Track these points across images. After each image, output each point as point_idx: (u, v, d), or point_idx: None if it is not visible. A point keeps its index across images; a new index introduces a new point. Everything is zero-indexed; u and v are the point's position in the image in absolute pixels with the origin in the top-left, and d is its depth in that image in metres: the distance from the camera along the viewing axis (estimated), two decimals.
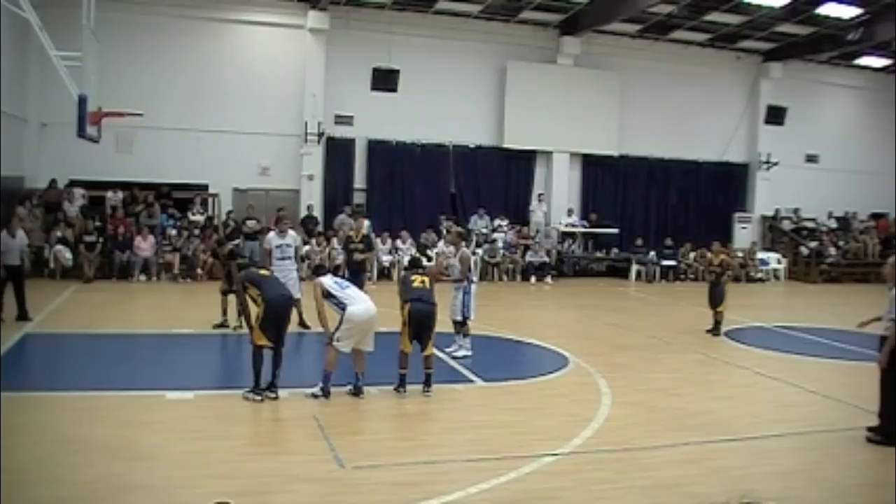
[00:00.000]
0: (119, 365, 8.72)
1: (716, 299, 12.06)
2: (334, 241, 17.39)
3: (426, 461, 5.93)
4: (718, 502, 1.98)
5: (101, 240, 16.31)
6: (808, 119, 23.66)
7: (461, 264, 9.67)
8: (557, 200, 21.57)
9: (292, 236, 11.54)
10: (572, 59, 21.47)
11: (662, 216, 22.77)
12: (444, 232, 19.25)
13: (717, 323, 12.06)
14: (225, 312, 11.01)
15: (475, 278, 10.04)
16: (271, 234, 11.46)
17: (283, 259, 11.06)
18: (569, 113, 20.99)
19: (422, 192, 20.63)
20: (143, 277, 16.33)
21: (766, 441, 6.79)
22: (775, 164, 23.16)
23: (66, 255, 15.60)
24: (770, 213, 23.62)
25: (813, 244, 22.41)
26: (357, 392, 7.65)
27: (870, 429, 6.89)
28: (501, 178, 21.41)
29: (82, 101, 10.45)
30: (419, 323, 7.87)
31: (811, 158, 24.38)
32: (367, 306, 7.65)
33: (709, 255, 12.97)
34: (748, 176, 23.72)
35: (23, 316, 11.04)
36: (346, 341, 7.53)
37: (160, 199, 17.89)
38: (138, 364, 8.88)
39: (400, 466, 5.79)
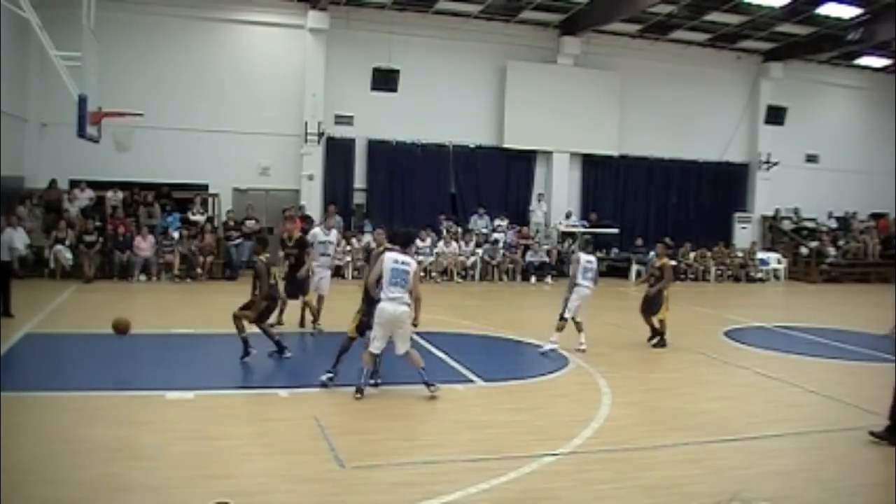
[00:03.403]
0: (119, 365, 8.72)
1: (652, 306, 10.95)
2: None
3: (426, 461, 5.93)
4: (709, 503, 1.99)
5: (101, 240, 16.30)
6: (808, 119, 23.66)
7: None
8: (557, 200, 21.58)
9: (335, 234, 11.92)
10: (572, 59, 21.48)
11: (662, 216, 22.76)
12: (444, 232, 19.33)
13: (661, 333, 10.88)
14: (281, 312, 10.90)
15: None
16: (317, 229, 11.74)
17: (324, 255, 11.34)
18: (569, 113, 20.99)
19: (422, 192, 20.63)
20: (143, 277, 16.32)
21: (766, 441, 6.79)
22: (775, 164, 23.16)
23: (66, 255, 15.64)
24: (770, 213, 23.63)
25: (813, 244, 22.42)
26: (428, 386, 7.62)
27: (877, 433, 6.76)
28: (501, 178, 21.42)
29: (82, 101, 10.45)
30: None
31: (811, 158, 24.39)
32: (394, 305, 7.44)
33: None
34: (748, 176, 23.72)
35: (6, 312, 11.18)
36: (377, 340, 7.51)
37: (160, 199, 17.89)
38: (138, 364, 8.88)
39: (400, 466, 5.79)
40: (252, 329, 8.96)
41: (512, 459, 5.94)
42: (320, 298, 11.16)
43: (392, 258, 7.57)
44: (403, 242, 7.93)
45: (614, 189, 22.53)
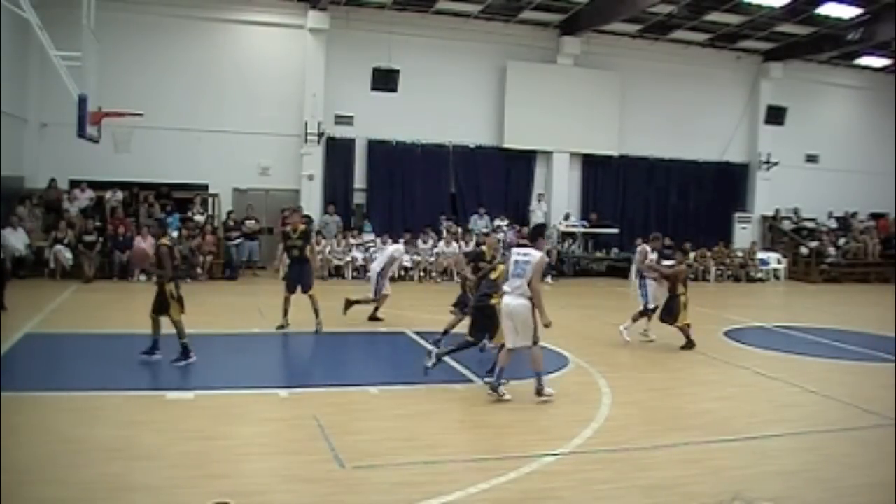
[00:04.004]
0: (119, 365, 8.72)
1: (671, 313, 10.78)
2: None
3: (426, 461, 5.93)
4: (710, 503, 1.99)
5: (101, 240, 16.31)
6: (808, 119, 23.67)
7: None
8: (557, 200, 21.58)
9: None
10: (572, 59, 21.48)
11: (662, 216, 22.73)
12: (444, 232, 19.34)
13: (687, 336, 10.80)
14: (286, 314, 11.05)
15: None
16: (401, 246, 13.12)
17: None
18: (569, 113, 21.00)
19: (422, 192, 20.63)
20: (143, 277, 16.30)
21: (766, 441, 6.79)
22: (775, 164, 23.17)
23: (66, 255, 15.64)
24: (770, 213, 23.63)
25: (813, 244, 22.41)
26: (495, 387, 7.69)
27: None
28: (501, 178, 21.43)
29: (82, 101, 10.46)
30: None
31: (811, 158, 24.40)
32: (511, 297, 7.61)
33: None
34: (748, 176, 23.73)
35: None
36: (508, 334, 7.70)
37: (160, 199, 17.90)
38: (138, 364, 8.87)
39: (400, 466, 5.79)
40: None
41: (512, 459, 5.94)
42: (385, 297, 12.09)
43: (516, 252, 7.85)
44: (532, 237, 8.17)
45: (614, 189, 22.53)
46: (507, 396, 7.64)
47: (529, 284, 7.50)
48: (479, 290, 8.58)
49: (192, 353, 8.66)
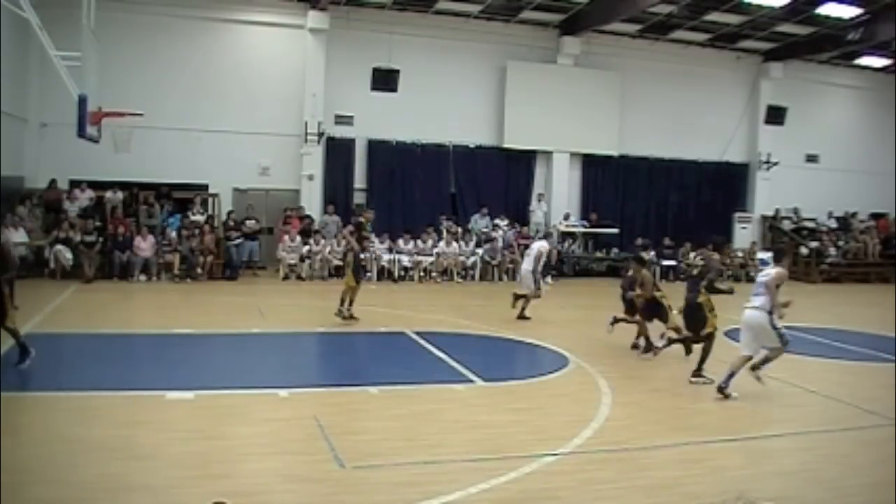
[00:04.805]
0: (119, 365, 8.72)
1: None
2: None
3: (426, 461, 5.93)
4: (714, 503, 1.99)
5: (101, 240, 16.30)
6: (808, 119, 23.66)
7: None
8: (557, 200, 21.57)
9: None
10: (572, 59, 21.48)
11: (662, 216, 22.75)
12: (445, 232, 19.33)
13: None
14: (343, 302, 11.34)
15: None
16: (545, 242, 13.41)
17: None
18: (569, 113, 20.99)
19: (422, 192, 20.63)
20: (143, 277, 16.32)
21: (766, 441, 6.80)
22: (775, 164, 23.16)
23: (67, 255, 15.64)
24: (770, 213, 23.62)
25: (813, 244, 22.40)
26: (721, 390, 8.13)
27: None
28: (501, 178, 21.41)
29: (82, 101, 10.45)
30: None
31: (811, 158, 24.38)
32: (750, 311, 8.20)
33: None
34: (748, 176, 23.72)
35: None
36: (742, 342, 8.32)
37: (160, 199, 17.90)
38: (138, 364, 8.88)
39: (400, 466, 5.79)
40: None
41: (512, 459, 5.94)
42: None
43: (762, 272, 8.59)
44: (776, 259, 8.72)
45: (614, 189, 22.52)
46: (735, 395, 8.11)
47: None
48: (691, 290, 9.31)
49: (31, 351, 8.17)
